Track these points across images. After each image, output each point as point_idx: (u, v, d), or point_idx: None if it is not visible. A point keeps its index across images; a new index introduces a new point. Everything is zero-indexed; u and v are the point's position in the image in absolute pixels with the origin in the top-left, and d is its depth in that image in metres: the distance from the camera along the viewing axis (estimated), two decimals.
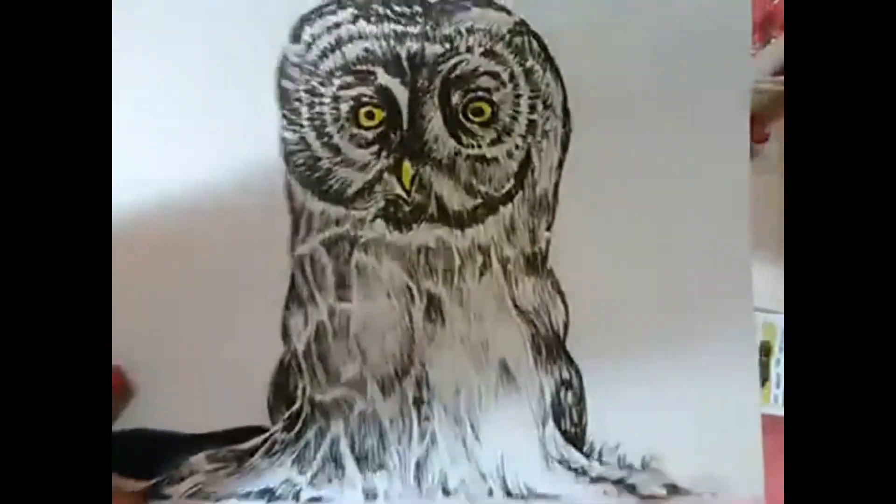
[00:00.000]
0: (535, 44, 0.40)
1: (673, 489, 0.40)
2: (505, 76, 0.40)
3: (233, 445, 0.40)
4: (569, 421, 0.40)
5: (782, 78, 0.39)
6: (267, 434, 0.40)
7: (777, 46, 0.42)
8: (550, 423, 0.40)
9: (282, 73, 0.40)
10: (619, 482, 0.40)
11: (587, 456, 0.40)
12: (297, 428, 0.40)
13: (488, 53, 0.39)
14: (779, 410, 0.50)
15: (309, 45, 0.40)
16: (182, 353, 0.40)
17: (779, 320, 0.51)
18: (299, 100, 0.40)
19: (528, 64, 0.40)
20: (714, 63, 0.40)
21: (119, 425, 0.40)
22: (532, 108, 0.40)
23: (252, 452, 0.40)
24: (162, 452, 0.40)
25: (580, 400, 0.40)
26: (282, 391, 0.40)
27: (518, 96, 0.40)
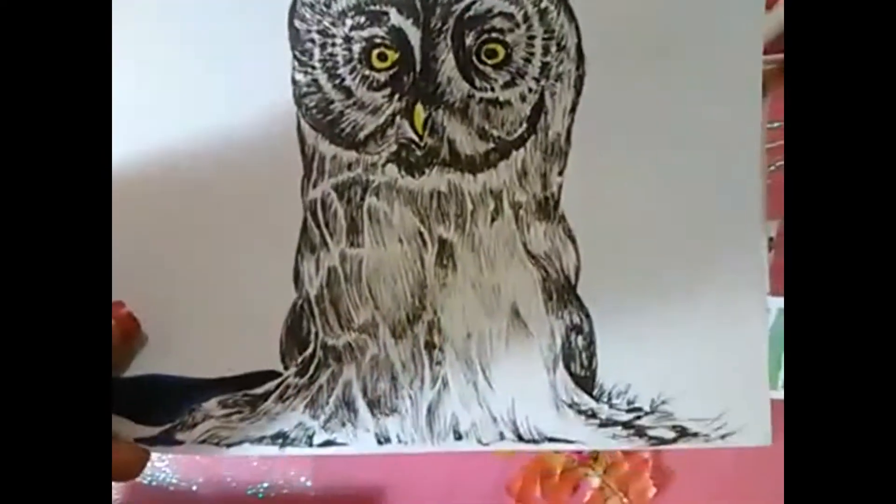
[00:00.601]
0: None
1: (682, 431, 0.40)
2: (519, 17, 0.39)
3: (246, 390, 0.40)
4: (579, 365, 0.40)
5: (777, 55, 0.39)
6: (280, 379, 0.40)
7: (776, 17, 0.41)
8: (561, 367, 0.40)
9: (294, 12, 0.39)
10: (628, 424, 0.41)
11: (597, 399, 0.40)
12: (309, 372, 0.40)
13: None
14: None
15: None
16: (194, 299, 0.40)
17: None
18: (311, 41, 0.39)
19: (543, 4, 0.39)
20: (728, 6, 0.40)
21: (131, 371, 0.40)
22: (546, 50, 0.39)
23: (265, 397, 0.40)
24: (175, 398, 0.40)
25: (590, 344, 0.40)
26: (294, 336, 0.40)
27: (532, 38, 0.39)
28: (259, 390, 0.40)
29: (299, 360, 0.40)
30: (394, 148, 0.39)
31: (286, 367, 0.40)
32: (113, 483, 0.44)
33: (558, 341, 0.40)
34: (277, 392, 0.40)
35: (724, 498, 0.47)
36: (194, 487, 0.50)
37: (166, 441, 0.40)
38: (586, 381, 0.40)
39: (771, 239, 0.42)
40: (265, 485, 0.51)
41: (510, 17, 0.39)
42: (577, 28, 0.39)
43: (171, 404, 0.40)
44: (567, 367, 0.40)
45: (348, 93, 0.39)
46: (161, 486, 0.47)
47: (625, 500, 0.49)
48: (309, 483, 0.50)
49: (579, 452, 0.49)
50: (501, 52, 0.39)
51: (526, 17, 0.39)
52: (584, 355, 0.40)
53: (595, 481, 0.49)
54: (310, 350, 0.40)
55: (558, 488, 0.48)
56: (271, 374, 0.40)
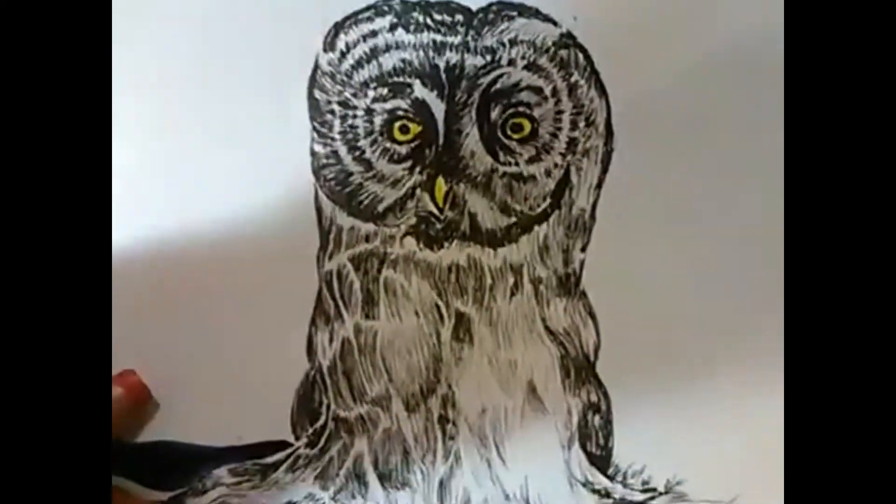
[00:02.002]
0: (580, 57, 0.38)
1: None
2: (547, 91, 0.38)
3: (256, 459, 0.40)
4: (595, 443, 0.40)
5: None
6: (290, 449, 0.40)
7: None
8: (576, 445, 0.40)
9: (314, 82, 0.38)
10: None
11: (611, 478, 0.40)
12: (320, 443, 0.40)
13: (531, 66, 0.38)
14: None
15: (343, 54, 0.38)
16: (207, 367, 0.40)
17: None
18: (332, 112, 0.39)
19: (573, 78, 0.38)
20: (755, 85, 0.39)
21: (143, 437, 0.40)
22: (574, 125, 0.38)
23: (275, 467, 0.40)
24: (186, 464, 0.40)
25: (607, 423, 0.40)
26: (306, 407, 0.40)
27: (560, 112, 0.38)
28: (269, 460, 0.40)
29: (310, 430, 0.40)
30: (413, 221, 0.39)
31: (297, 438, 0.40)
32: None
33: (575, 419, 0.39)
34: (288, 462, 0.40)
35: None
36: None
37: None
38: (601, 460, 0.40)
39: None
40: None
41: (538, 90, 0.38)
42: (607, 103, 0.39)
43: (182, 471, 0.40)
44: (582, 446, 0.40)
45: (368, 165, 0.39)
46: None
47: None
48: None
49: None
50: (528, 126, 0.38)
51: (555, 92, 0.38)
52: (600, 434, 0.40)
53: None
54: (321, 421, 0.40)
55: None
56: (282, 444, 0.40)
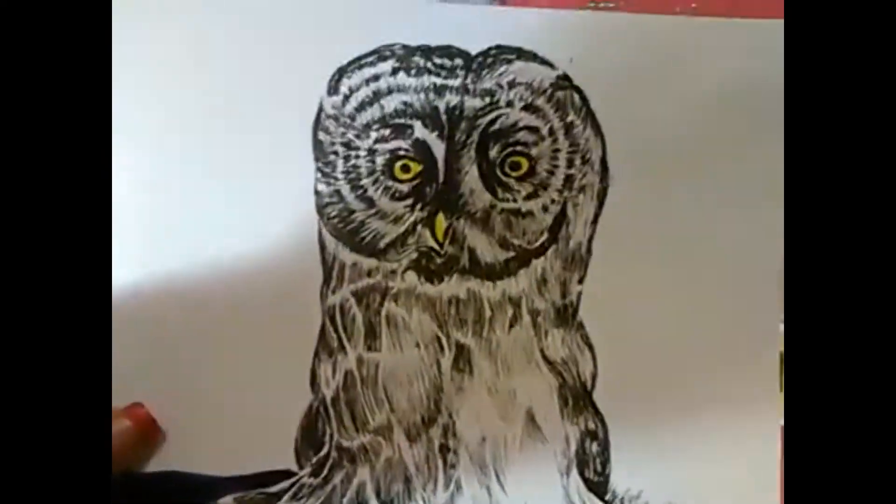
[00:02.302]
0: (576, 98, 0.40)
1: None
2: (544, 131, 0.39)
3: (261, 489, 0.40)
4: (593, 470, 0.40)
5: None
6: (294, 478, 0.40)
7: None
8: (574, 472, 0.40)
9: (318, 124, 0.39)
10: None
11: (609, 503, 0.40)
12: (324, 473, 0.40)
13: (529, 107, 0.39)
14: None
15: (346, 98, 0.39)
16: (212, 398, 0.40)
17: None
18: (335, 153, 0.39)
19: (569, 118, 0.39)
20: (749, 126, 0.40)
21: (150, 467, 0.41)
22: (570, 163, 0.39)
23: (280, 496, 0.40)
24: (192, 494, 0.40)
25: (605, 450, 0.40)
26: (309, 437, 0.40)
27: (556, 151, 0.39)
28: (274, 489, 0.40)
29: (314, 460, 0.40)
30: (414, 256, 0.39)
31: (301, 467, 0.40)
32: None
33: (573, 447, 0.40)
34: (292, 491, 0.40)
35: None
36: None
37: None
38: (599, 486, 0.40)
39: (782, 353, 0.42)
40: None
41: (535, 130, 0.39)
42: (602, 142, 0.40)
43: (188, 500, 0.40)
44: (580, 472, 0.40)
45: (370, 203, 0.39)
46: None
47: None
48: None
49: None
50: (525, 164, 0.39)
51: (552, 131, 0.39)
52: (597, 461, 0.40)
53: None
54: (324, 451, 0.40)
55: None
56: (286, 474, 0.40)
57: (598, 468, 0.40)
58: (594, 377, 0.40)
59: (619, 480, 0.40)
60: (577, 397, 0.40)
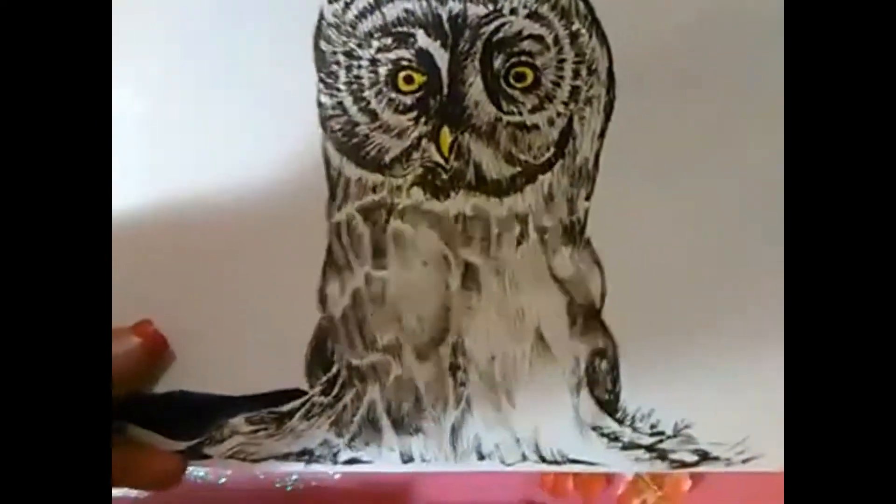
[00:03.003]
0: (581, 6, 0.38)
1: (703, 455, 0.40)
2: (549, 40, 0.38)
3: (272, 408, 0.40)
4: (603, 389, 0.40)
5: None
6: (305, 397, 0.40)
7: None
8: (584, 391, 0.40)
9: (319, 34, 0.38)
10: (650, 448, 0.41)
11: (620, 422, 0.40)
12: (334, 391, 0.40)
13: (533, 15, 0.38)
14: None
15: (347, 5, 0.38)
16: (221, 318, 0.40)
17: None
18: (337, 63, 0.38)
19: (574, 27, 0.38)
20: (755, 35, 0.39)
21: (160, 387, 0.41)
22: (576, 74, 0.38)
23: (291, 415, 0.40)
24: (203, 414, 0.40)
25: (614, 368, 0.40)
26: (319, 356, 0.40)
27: (562, 61, 0.38)
28: (285, 408, 0.40)
29: (324, 379, 0.40)
30: (419, 171, 0.39)
31: (311, 386, 0.40)
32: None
33: (582, 365, 0.40)
34: (303, 410, 0.40)
35: (762, 492, 0.46)
36: (222, 480, 0.52)
37: (195, 455, 0.40)
38: (610, 405, 0.40)
39: None
40: (294, 477, 0.52)
41: (540, 39, 0.38)
42: (608, 52, 0.38)
43: (199, 420, 0.40)
44: (591, 391, 0.40)
45: (374, 116, 0.39)
46: (189, 479, 0.48)
47: (659, 493, 0.49)
48: (337, 476, 0.51)
49: None
50: (530, 75, 0.38)
51: (557, 41, 0.38)
52: (607, 379, 0.40)
53: (629, 474, 0.48)
54: (334, 370, 0.40)
55: (591, 481, 0.49)
56: (297, 393, 0.40)
57: (609, 386, 0.40)
58: (603, 295, 0.40)
59: (630, 399, 0.40)
60: (587, 316, 0.40)
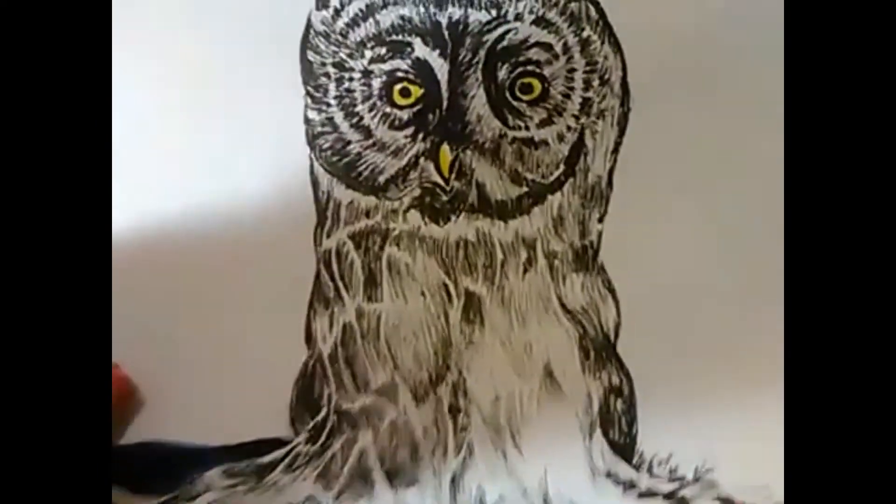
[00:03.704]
0: (592, 10, 0.37)
1: (728, 502, 0.38)
2: (558, 48, 0.37)
3: (251, 459, 0.38)
4: (618, 430, 0.38)
5: None
6: (289, 446, 0.38)
7: None
8: (598, 433, 0.38)
9: (306, 43, 0.37)
10: (670, 496, 0.38)
11: (636, 468, 0.38)
12: (321, 439, 0.38)
13: (540, 21, 0.37)
14: None
15: (337, 12, 0.37)
16: (196, 358, 0.38)
17: None
18: (326, 75, 0.37)
19: (585, 34, 0.37)
20: (752, 45, 0.38)
21: (128, 437, 0.38)
22: (587, 85, 0.37)
23: (272, 466, 0.38)
24: (174, 467, 0.37)
25: (630, 407, 0.38)
26: (305, 399, 0.38)
27: (572, 71, 0.37)
28: (266, 459, 0.37)
29: (310, 425, 0.38)
30: (417, 193, 0.37)
31: (296, 434, 0.38)
32: None
33: (595, 405, 0.38)
34: (286, 461, 0.37)
35: None
36: None
37: None
38: (625, 449, 0.38)
39: None
40: None
41: (548, 47, 0.37)
42: (622, 60, 0.37)
43: (170, 473, 0.37)
44: (604, 433, 0.38)
45: (367, 132, 0.37)
46: None
47: None
48: None
49: None
50: (538, 86, 0.37)
51: (566, 48, 0.37)
52: (623, 420, 0.38)
53: None
54: (322, 414, 0.38)
55: None
56: (279, 442, 0.38)
57: (624, 428, 0.38)
58: (618, 326, 0.38)
59: (647, 441, 0.38)
60: (600, 349, 0.38)
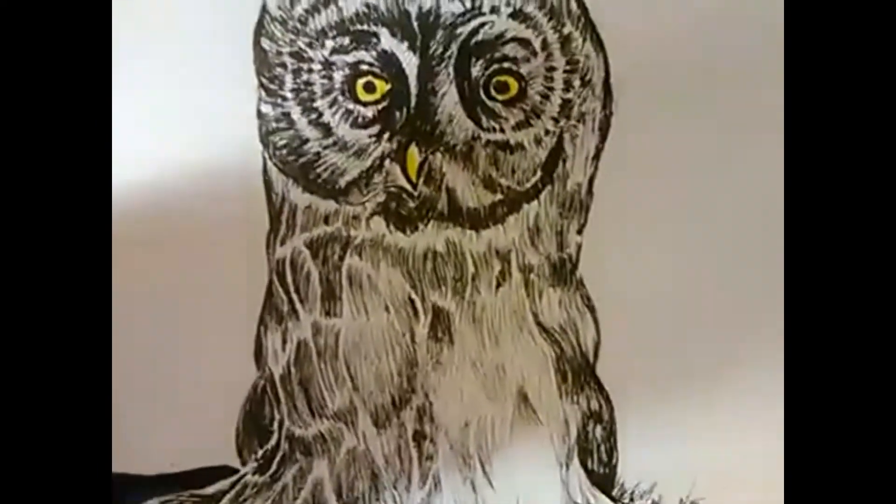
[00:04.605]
0: (573, 5, 0.36)
1: None
2: (536, 44, 0.35)
3: (193, 490, 0.37)
4: (597, 459, 0.37)
5: None
6: (236, 476, 0.37)
7: None
8: (575, 463, 0.37)
9: (260, 30, 0.36)
10: None
11: (617, 500, 0.37)
12: (272, 469, 0.37)
13: (518, 15, 0.35)
14: None
15: None
16: (133, 378, 0.36)
17: None
18: (282, 65, 0.36)
19: (566, 30, 0.36)
20: (750, 52, 0.37)
21: None
22: (567, 85, 0.36)
23: (217, 498, 0.37)
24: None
25: (611, 434, 0.37)
26: (254, 425, 0.37)
27: (551, 69, 0.36)
28: (210, 490, 0.37)
29: (260, 453, 0.37)
30: (381, 198, 0.36)
31: (244, 463, 0.37)
32: None
33: (573, 431, 0.37)
34: (233, 492, 0.37)
35: None
36: None
37: None
38: (605, 479, 0.37)
39: None
40: None
41: (526, 43, 0.36)
42: (605, 60, 0.36)
43: None
44: (582, 463, 0.37)
45: (327, 130, 0.36)
46: None
47: None
48: None
49: None
50: (514, 85, 0.36)
51: (545, 45, 0.36)
52: (602, 448, 0.37)
53: None
54: (273, 441, 0.37)
55: None
56: (225, 471, 0.37)
57: (604, 457, 0.37)
58: (597, 346, 0.37)
59: (629, 471, 0.37)
60: (578, 371, 0.37)
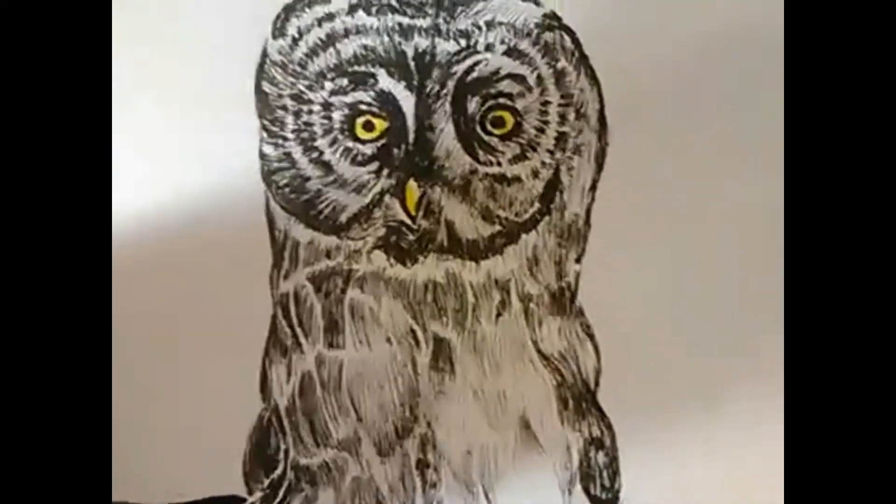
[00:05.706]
0: (567, 40, 0.36)
1: None
2: (531, 79, 0.36)
3: None
4: (599, 485, 0.37)
5: None
6: None
7: None
8: (578, 489, 0.37)
9: (262, 73, 0.36)
10: None
11: None
12: (278, 498, 0.37)
13: (512, 52, 0.36)
14: None
15: (295, 41, 0.36)
16: (142, 411, 0.37)
17: None
18: (283, 107, 0.36)
19: (559, 65, 0.36)
20: (749, 75, 0.37)
21: None
22: (562, 119, 0.36)
23: None
24: None
25: (613, 460, 0.37)
26: (261, 455, 0.37)
27: (546, 103, 0.36)
28: None
29: (266, 483, 0.37)
30: (381, 232, 0.36)
31: (250, 492, 0.37)
32: None
33: (575, 458, 0.37)
34: None
35: None
36: None
37: None
38: None
39: None
40: None
41: (521, 79, 0.36)
42: (599, 93, 0.36)
43: None
44: (585, 489, 0.37)
45: (327, 168, 0.36)
46: None
47: None
48: None
49: None
50: (510, 120, 0.36)
51: (539, 80, 0.36)
52: (605, 474, 0.37)
53: None
54: (279, 471, 0.37)
55: None
56: (233, 500, 0.37)
57: (606, 483, 0.37)
58: (598, 373, 0.37)
59: (631, 497, 0.37)
60: (579, 398, 0.37)
